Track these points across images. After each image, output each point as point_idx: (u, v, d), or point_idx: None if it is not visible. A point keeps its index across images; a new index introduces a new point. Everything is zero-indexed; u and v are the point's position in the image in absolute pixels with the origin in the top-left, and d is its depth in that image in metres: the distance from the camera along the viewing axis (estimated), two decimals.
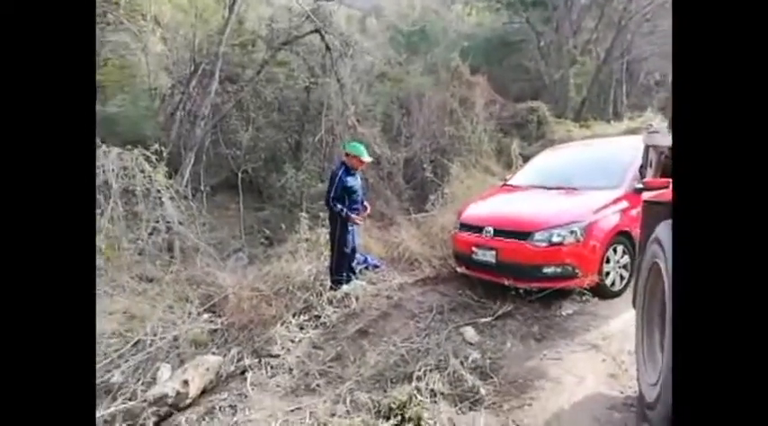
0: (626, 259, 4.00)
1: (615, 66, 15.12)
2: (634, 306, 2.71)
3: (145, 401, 2.85)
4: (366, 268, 5.06)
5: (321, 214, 5.45)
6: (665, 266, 2.07)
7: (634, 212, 3.98)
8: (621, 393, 2.60)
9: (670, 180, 3.68)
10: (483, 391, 2.67)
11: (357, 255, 4.78)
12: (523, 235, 3.87)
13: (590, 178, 4.44)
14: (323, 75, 9.06)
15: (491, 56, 14.65)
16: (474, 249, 4.15)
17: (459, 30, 15.59)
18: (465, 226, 4.44)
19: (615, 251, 3.92)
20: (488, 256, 4.01)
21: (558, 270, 3.75)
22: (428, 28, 14.17)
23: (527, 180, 5.05)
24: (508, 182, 5.23)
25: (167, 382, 3.02)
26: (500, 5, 15.45)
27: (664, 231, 2.17)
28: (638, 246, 3.87)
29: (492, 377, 2.81)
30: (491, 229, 4.08)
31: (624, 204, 4.03)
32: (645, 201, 2.84)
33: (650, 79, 15.67)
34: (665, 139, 2.59)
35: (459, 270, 4.49)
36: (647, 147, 3.08)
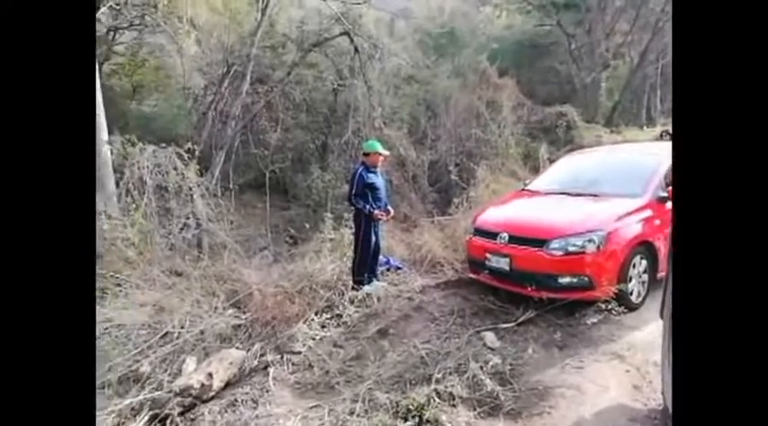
0: (647, 270, 3.82)
1: (650, 71, 14.68)
2: (661, 316, 2.64)
3: (171, 391, 2.95)
4: (388, 269, 5.09)
5: (345, 214, 5.51)
6: None
7: (658, 222, 3.84)
8: (645, 405, 2.53)
9: None
10: (502, 397, 2.65)
11: (380, 257, 4.81)
12: (539, 242, 3.71)
13: (612, 185, 4.26)
14: (351, 77, 9.16)
15: (520, 58, 14.47)
16: (488, 255, 4.01)
17: (489, 32, 15.47)
18: (479, 232, 4.30)
19: (635, 262, 3.72)
20: (502, 263, 3.88)
21: (575, 280, 3.59)
22: (457, 30, 14.12)
23: (547, 185, 4.87)
24: (527, 187, 5.06)
25: (192, 374, 3.11)
26: (531, 7, 15.22)
27: None
28: (658, 255, 3.79)
29: (512, 384, 2.78)
30: (506, 235, 3.94)
31: (647, 213, 3.84)
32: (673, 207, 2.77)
33: None
34: None
35: (471, 276, 4.38)
36: None
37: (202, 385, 3.02)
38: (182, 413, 2.85)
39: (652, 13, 13.85)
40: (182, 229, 5.25)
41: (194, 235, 5.35)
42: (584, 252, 3.57)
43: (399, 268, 5.17)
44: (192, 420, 2.81)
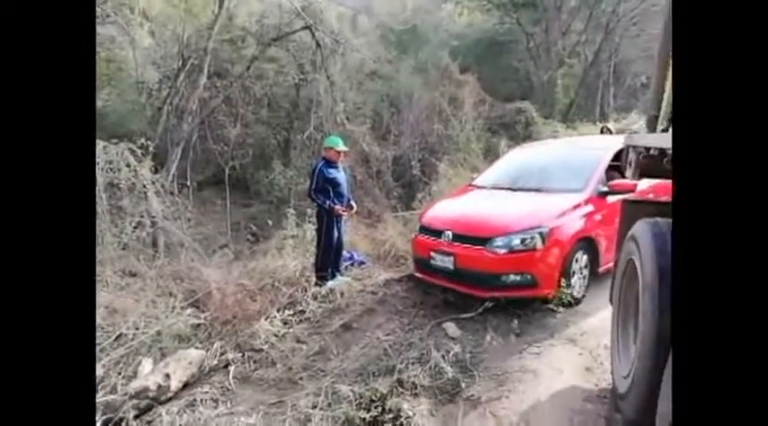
0: (587, 265, 3.82)
1: (603, 69, 15.34)
2: (611, 302, 2.78)
3: (125, 394, 2.84)
4: (352, 264, 5.09)
5: (308, 211, 5.46)
6: (640, 263, 2.13)
7: (598, 217, 3.85)
8: (596, 385, 2.66)
9: (636, 183, 3.75)
10: (463, 384, 2.71)
11: (344, 252, 4.80)
12: (482, 240, 3.64)
13: (555, 180, 4.22)
14: (313, 71, 9.06)
15: (481, 56, 14.75)
16: (432, 254, 3.90)
17: (450, 29, 15.65)
18: (425, 229, 4.18)
19: (577, 257, 3.70)
20: (446, 262, 3.77)
21: (518, 278, 3.54)
22: (419, 27, 14.19)
23: (492, 180, 4.78)
24: (473, 183, 4.95)
25: (149, 375, 3.01)
26: (491, 6, 15.55)
27: (640, 229, 2.24)
28: (599, 250, 3.85)
29: (472, 371, 2.85)
30: (450, 233, 3.83)
31: (589, 208, 3.84)
32: (623, 200, 2.91)
33: (637, 81, 15.89)
34: (644, 139, 2.65)
35: (417, 275, 4.27)
36: (627, 147, 3.14)
37: (159, 386, 2.93)
38: (137, 416, 2.75)
39: (604, 14, 14.45)
40: (135, 228, 5.05)
41: (149, 233, 5.15)
42: (527, 250, 3.53)
43: (363, 262, 5.18)
44: (149, 422, 2.72)
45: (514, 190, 4.35)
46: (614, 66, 15.74)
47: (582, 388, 2.64)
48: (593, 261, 3.88)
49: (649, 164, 2.57)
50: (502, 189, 4.48)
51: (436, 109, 10.32)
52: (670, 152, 2.12)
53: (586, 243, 3.77)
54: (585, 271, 3.82)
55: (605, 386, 2.63)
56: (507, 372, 2.81)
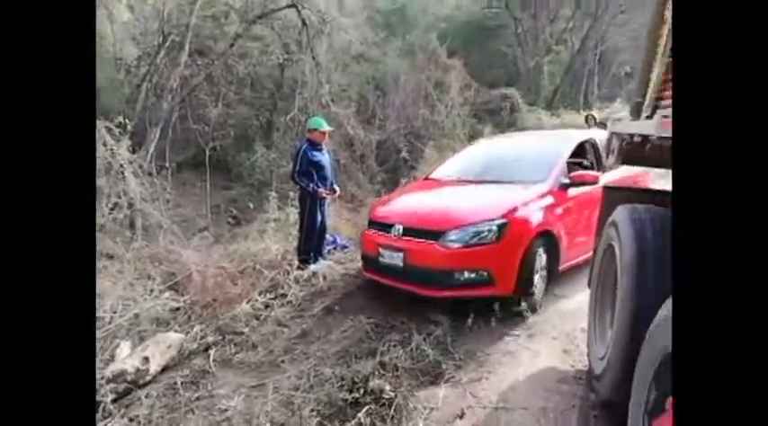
0: (546, 262, 3.55)
1: (589, 57, 15.39)
2: (589, 285, 2.83)
3: (103, 378, 2.79)
4: (335, 248, 5.07)
5: (291, 194, 5.40)
6: (619, 248, 2.17)
7: (559, 210, 3.63)
8: (572, 366, 2.72)
9: (598, 174, 3.76)
10: (444, 366, 2.75)
11: (326, 236, 4.77)
12: (435, 234, 3.34)
13: (515, 171, 3.99)
14: (298, 51, 8.86)
15: (468, 40, 14.65)
16: (380, 250, 3.57)
17: (438, 12, 15.48)
18: (374, 224, 3.86)
19: (537, 253, 3.41)
20: (395, 259, 3.45)
21: (473, 275, 3.24)
22: (407, 9, 13.99)
23: (450, 172, 4.51)
24: (431, 176, 4.67)
25: (126, 359, 2.96)
26: None
27: (620, 215, 2.27)
28: (560, 246, 3.59)
29: (453, 353, 2.89)
30: (400, 227, 3.52)
31: (549, 200, 3.59)
32: (604, 187, 2.95)
33: (622, 70, 16.00)
34: (628, 127, 2.67)
35: (365, 274, 3.94)
36: (611, 135, 3.17)
37: (137, 369, 2.88)
38: (115, 400, 2.71)
39: (592, 2, 14.44)
40: (112, 209, 4.92)
41: (126, 215, 5.03)
42: (483, 244, 3.24)
43: (346, 247, 5.17)
44: (128, 406, 2.68)
45: (474, 182, 4.10)
46: (600, 55, 15.81)
47: (558, 370, 2.70)
48: (553, 260, 3.62)
49: (632, 151, 2.60)
50: (461, 181, 4.24)
51: (422, 93, 10.25)
52: (653, 139, 2.14)
53: (545, 239, 3.50)
54: (544, 272, 3.54)
55: (581, 368, 2.69)
56: (487, 354, 2.85)
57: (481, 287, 3.27)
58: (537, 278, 3.42)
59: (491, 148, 5.01)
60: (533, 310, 3.37)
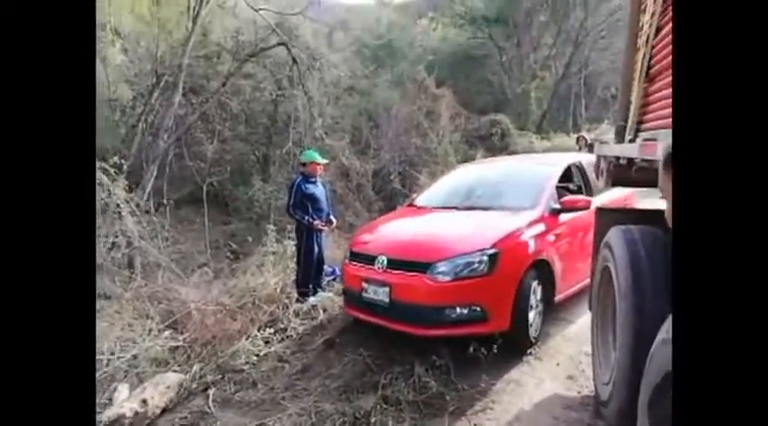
0: (542, 298, 3.32)
1: (573, 81, 15.87)
2: (590, 308, 2.83)
3: (100, 422, 2.73)
4: (334, 280, 5.04)
5: (288, 226, 5.42)
6: (615, 270, 2.19)
7: (551, 237, 3.42)
8: (579, 393, 2.69)
9: (590, 199, 3.73)
10: (447, 397, 2.70)
11: (325, 267, 4.76)
12: (422, 266, 3.05)
13: (503, 197, 3.81)
14: (290, 87, 9.10)
15: (456, 70, 15.08)
16: (364, 285, 3.27)
17: (425, 44, 15.99)
18: (356, 256, 3.55)
19: (533, 287, 3.18)
20: (381, 294, 3.14)
21: (465, 311, 2.95)
22: (394, 42, 14.45)
23: (435, 200, 4.24)
24: (415, 202, 4.41)
25: (125, 402, 2.90)
26: (464, 21, 15.97)
27: (614, 236, 2.30)
28: (555, 276, 3.38)
29: (455, 383, 2.84)
30: (384, 259, 3.22)
31: (540, 227, 3.37)
32: (597, 208, 2.98)
33: (607, 93, 16.46)
34: (613, 150, 2.74)
35: (348, 312, 3.68)
36: (598, 157, 3.24)
37: (136, 412, 2.82)
38: None
39: (572, 29, 15.00)
40: (110, 249, 4.92)
41: (125, 254, 5.03)
42: (475, 276, 2.97)
43: None
44: None
45: (460, 209, 3.84)
46: (585, 78, 16.30)
47: (564, 396, 2.67)
48: (548, 291, 3.39)
49: (619, 173, 2.66)
50: (446, 208, 3.96)
51: (414, 122, 10.48)
52: (637, 161, 2.20)
53: (539, 269, 3.26)
54: (541, 306, 3.31)
55: (587, 393, 2.66)
56: (491, 383, 2.81)
57: (474, 324, 2.99)
58: (534, 314, 3.18)
59: (477, 173, 4.76)
60: (530, 346, 3.17)
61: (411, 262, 3.13)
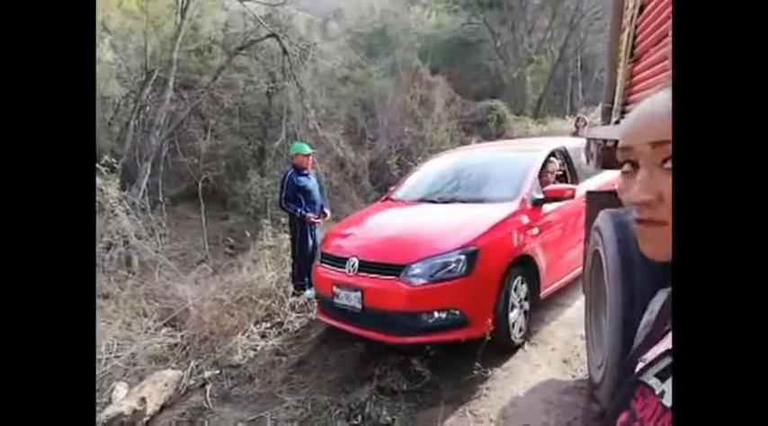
0: (527, 296, 3.14)
1: (570, 64, 15.71)
2: (584, 291, 2.83)
3: (99, 422, 2.75)
4: None
5: (283, 219, 5.40)
6: (604, 253, 2.18)
7: (535, 230, 3.22)
8: (573, 377, 2.69)
9: (575, 187, 3.54)
10: (442, 386, 2.71)
11: None
12: (395, 268, 2.84)
13: (483, 188, 3.58)
14: (283, 79, 9.01)
15: (451, 56, 14.93)
16: (335, 289, 3.06)
17: (419, 31, 15.80)
18: (327, 257, 3.32)
19: (516, 285, 3.01)
20: (353, 299, 2.93)
21: (443, 316, 2.75)
22: (388, 30, 14.30)
23: (413, 192, 3.98)
24: (391, 196, 4.15)
25: (123, 400, 2.92)
26: (458, 7, 15.77)
27: (602, 219, 2.28)
28: (539, 271, 3.21)
29: (450, 372, 2.85)
30: (356, 261, 3.00)
31: (523, 220, 3.18)
32: (587, 192, 2.96)
33: (603, 75, 16.28)
34: (600, 132, 2.71)
35: (321, 319, 3.44)
36: (588, 140, 3.21)
37: (135, 411, 2.84)
38: None
39: (567, 11, 14.80)
40: (108, 249, 4.92)
41: (121, 253, 5.02)
42: (452, 278, 2.77)
43: None
44: None
45: (438, 202, 3.61)
46: (581, 61, 16.13)
47: (559, 381, 2.68)
48: (533, 289, 3.22)
49: (607, 156, 2.63)
50: (423, 201, 3.73)
51: (409, 111, 10.39)
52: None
53: (523, 265, 3.08)
54: (526, 304, 3.13)
55: (582, 377, 2.66)
56: (484, 370, 2.81)
57: (453, 330, 2.79)
58: (517, 314, 3.02)
59: (456, 163, 4.35)
60: (515, 349, 3.04)
61: (384, 265, 2.92)
